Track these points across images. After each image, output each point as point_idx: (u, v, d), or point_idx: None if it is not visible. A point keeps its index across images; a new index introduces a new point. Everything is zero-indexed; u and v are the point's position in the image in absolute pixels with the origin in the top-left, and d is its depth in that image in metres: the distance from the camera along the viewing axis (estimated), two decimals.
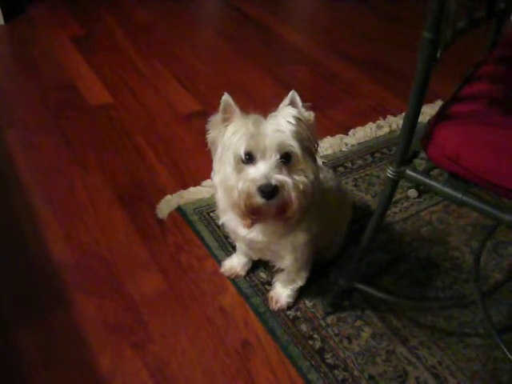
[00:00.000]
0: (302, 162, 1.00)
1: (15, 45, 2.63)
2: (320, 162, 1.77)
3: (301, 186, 0.98)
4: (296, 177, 0.99)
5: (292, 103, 1.03)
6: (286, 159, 0.98)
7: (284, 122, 0.98)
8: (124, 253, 1.47)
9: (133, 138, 1.94)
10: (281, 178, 0.95)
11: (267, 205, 0.96)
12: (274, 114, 1.02)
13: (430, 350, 1.25)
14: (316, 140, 1.07)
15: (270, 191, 0.94)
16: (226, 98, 1.03)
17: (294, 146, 0.97)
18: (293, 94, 1.03)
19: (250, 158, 0.98)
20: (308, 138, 1.02)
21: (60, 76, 2.32)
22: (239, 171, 0.99)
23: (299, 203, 0.98)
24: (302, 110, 1.03)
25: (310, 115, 1.04)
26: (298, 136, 0.98)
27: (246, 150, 0.97)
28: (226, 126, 1.03)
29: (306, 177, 1.00)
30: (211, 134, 1.08)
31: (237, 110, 1.03)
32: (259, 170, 0.96)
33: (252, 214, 1.00)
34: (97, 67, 2.40)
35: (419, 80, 0.82)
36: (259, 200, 0.96)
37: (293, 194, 0.96)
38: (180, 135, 1.97)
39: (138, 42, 2.66)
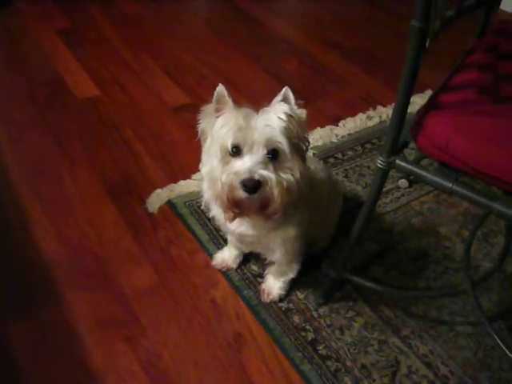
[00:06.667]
0: (289, 159, 0.99)
1: (1, 38, 2.58)
2: (310, 153, 1.77)
3: (284, 184, 0.97)
4: (282, 174, 0.98)
5: (285, 99, 1.01)
6: (274, 155, 0.97)
7: (275, 117, 0.97)
8: (114, 247, 1.46)
9: (121, 132, 1.92)
10: (265, 173, 0.95)
11: (249, 199, 0.96)
12: (266, 109, 1.00)
13: (421, 339, 1.26)
14: (307, 138, 1.06)
15: (252, 186, 0.93)
16: (221, 88, 1.02)
17: (283, 143, 0.96)
18: (286, 91, 1.02)
19: (237, 151, 0.97)
20: (298, 135, 1.01)
21: (47, 69, 2.29)
22: (225, 163, 0.98)
23: (281, 200, 0.97)
24: (295, 107, 1.02)
25: (302, 113, 1.03)
26: (287, 133, 0.97)
27: (234, 142, 0.96)
28: (218, 117, 1.02)
29: (292, 175, 0.99)
30: (202, 124, 1.06)
31: (229, 102, 1.02)
32: (244, 164, 0.96)
33: (234, 208, 1.00)
34: (84, 60, 2.37)
35: (408, 69, 0.81)
36: (242, 194, 0.95)
37: (275, 191, 0.95)
38: (169, 128, 1.96)
39: (125, 35, 2.62)
